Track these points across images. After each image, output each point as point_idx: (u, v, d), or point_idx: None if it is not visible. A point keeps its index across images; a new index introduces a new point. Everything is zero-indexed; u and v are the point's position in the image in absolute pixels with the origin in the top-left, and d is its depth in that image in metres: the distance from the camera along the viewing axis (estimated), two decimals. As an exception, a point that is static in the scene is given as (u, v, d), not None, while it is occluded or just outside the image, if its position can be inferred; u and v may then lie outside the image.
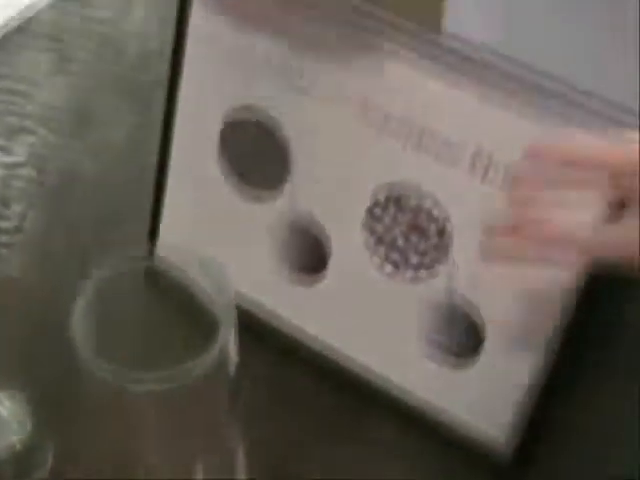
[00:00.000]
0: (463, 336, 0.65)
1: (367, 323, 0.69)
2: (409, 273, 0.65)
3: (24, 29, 0.99)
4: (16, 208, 0.85)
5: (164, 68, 0.73)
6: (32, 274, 0.80)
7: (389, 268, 0.66)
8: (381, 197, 0.65)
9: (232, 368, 0.38)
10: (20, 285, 0.79)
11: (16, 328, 0.76)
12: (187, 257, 0.37)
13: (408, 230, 0.65)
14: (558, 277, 0.58)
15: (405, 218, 0.65)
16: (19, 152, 0.89)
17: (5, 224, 0.84)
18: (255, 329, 0.72)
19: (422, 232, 0.64)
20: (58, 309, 0.77)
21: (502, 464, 0.65)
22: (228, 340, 0.34)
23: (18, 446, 0.63)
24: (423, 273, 0.65)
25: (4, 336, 0.75)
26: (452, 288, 0.64)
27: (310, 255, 0.70)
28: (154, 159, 0.76)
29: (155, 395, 0.31)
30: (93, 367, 0.30)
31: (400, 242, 0.65)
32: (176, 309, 0.51)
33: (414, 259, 0.65)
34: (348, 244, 0.68)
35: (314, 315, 0.71)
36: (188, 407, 0.34)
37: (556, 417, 0.65)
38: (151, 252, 0.42)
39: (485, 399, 0.65)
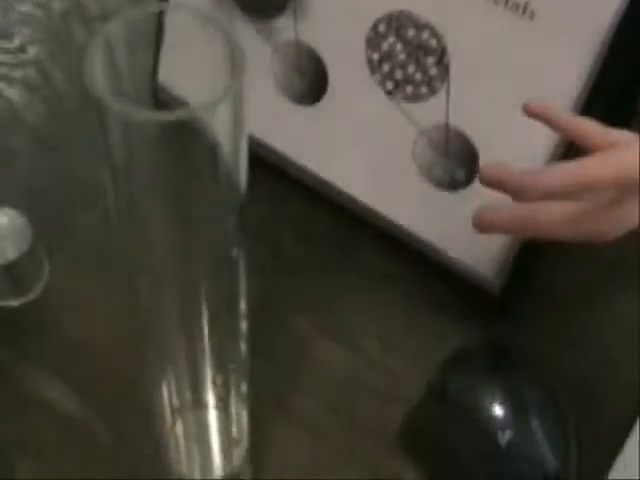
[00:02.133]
0: (457, 166, 0.65)
1: (363, 151, 0.69)
2: (408, 92, 0.66)
3: None
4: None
5: None
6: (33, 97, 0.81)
7: (390, 85, 0.66)
8: (381, 28, 0.65)
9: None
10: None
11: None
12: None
13: (407, 59, 0.65)
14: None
15: (405, 48, 0.64)
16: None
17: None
18: (253, 160, 0.73)
19: (420, 61, 0.64)
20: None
21: (491, 295, 0.67)
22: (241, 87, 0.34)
23: (15, 262, 0.64)
24: (419, 98, 0.65)
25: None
26: (448, 117, 0.64)
27: (309, 85, 0.70)
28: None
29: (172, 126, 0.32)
30: (108, 103, 0.31)
31: (399, 72, 0.65)
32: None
33: (409, 88, 0.65)
34: (348, 73, 0.68)
35: (311, 144, 0.72)
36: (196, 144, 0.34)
37: (545, 254, 0.66)
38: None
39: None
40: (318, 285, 0.70)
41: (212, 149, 0.34)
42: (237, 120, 0.34)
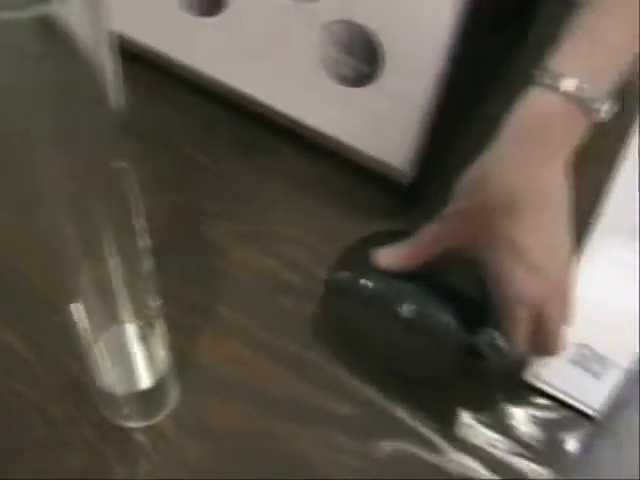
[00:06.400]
0: (361, 62, 0.65)
1: (268, 55, 0.68)
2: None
3: None
4: None
5: None
6: None
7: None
8: None
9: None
10: None
11: None
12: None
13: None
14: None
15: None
16: None
17: None
18: (159, 72, 0.72)
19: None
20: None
21: (401, 187, 0.68)
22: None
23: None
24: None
25: None
26: (348, 13, 0.64)
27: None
28: None
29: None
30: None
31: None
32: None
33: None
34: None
35: (216, 54, 0.71)
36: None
37: (450, 143, 0.67)
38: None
39: (385, 123, 0.66)
40: (228, 191, 0.70)
41: (78, 56, 0.33)
42: (94, 15, 0.33)
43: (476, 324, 0.57)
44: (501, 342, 0.57)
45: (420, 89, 0.63)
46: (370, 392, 0.61)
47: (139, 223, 0.44)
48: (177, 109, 0.74)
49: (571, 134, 0.56)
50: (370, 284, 0.59)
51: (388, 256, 0.59)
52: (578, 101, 0.55)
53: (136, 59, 0.73)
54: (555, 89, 0.55)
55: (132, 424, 0.59)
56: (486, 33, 0.65)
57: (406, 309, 0.58)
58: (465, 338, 0.57)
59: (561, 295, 0.57)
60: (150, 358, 0.56)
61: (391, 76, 0.64)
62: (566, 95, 0.55)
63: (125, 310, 0.50)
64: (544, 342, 0.58)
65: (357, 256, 0.61)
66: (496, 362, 0.57)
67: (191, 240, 0.67)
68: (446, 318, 0.57)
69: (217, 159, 0.72)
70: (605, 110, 0.56)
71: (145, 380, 0.56)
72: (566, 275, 0.57)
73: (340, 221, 0.68)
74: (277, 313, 0.64)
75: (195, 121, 0.74)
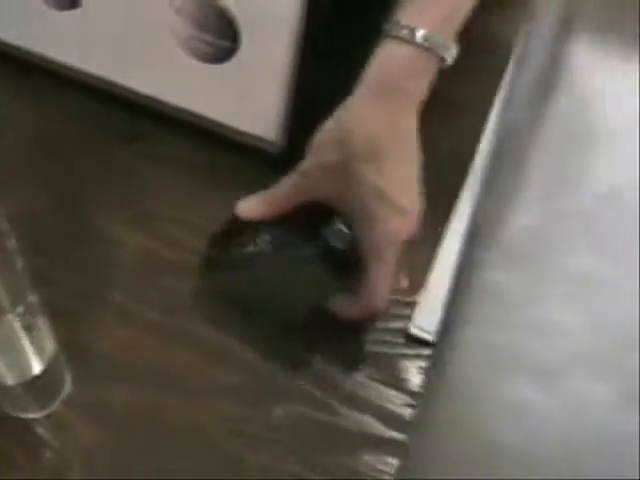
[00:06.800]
0: (218, 38, 0.66)
1: (129, 39, 0.69)
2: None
3: None
4: None
5: None
6: None
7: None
8: None
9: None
10: None
11: None
12: None
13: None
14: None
15: None
16: None
17: None
18: (28, 68, 0.73)
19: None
20: None
21: (274, 156, 0.70)
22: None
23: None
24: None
25: None
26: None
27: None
28: None
29: None
30: None
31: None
32: None
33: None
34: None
35: (82, 44, 0.71)
36: None
37: (317, 107, 0.68)
38: None
39: (249, 96, 0.67)
40: (111, 180, 0.71)
41: None
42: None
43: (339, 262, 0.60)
44: (344, 228, 0.60)
45: (279, 58, 0.64)
46: (258, 360, 0.63)
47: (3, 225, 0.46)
48: (52, 104, 0.74)
49: (423, 82, 0.59)
50: (244, 250, 0.61)
51: (248, 205, 0.62)
52: (428, 50, 0.58)
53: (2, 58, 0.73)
54: (406, 41, 0.58)
55: (30, 415, 0.59)
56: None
57: (274, 247, 0.60)
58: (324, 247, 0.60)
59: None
60: (37, 347, 0.56)
61: (249, 49, 0.65)
62: (416, 45, 0.58)
63: (5, 302, 0.51)
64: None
65: (233, 227, 0.63)
66: (347, 248, 0.60)
67: (78, 229, 0.67)
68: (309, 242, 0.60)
69: (98, 150, 0.72)
70: (452, 56, 0.59)
71: (35, 368, 0.57)
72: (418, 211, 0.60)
73: (222, 199, 0.69)
74: (163, 292, 0.65)
75: (70, 114, 0.74)
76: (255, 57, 0.65)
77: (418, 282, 0.66)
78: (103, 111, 0.74)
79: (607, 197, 0.85)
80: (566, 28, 1.41)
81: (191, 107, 0.70)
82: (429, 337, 0.63)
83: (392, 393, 0.62)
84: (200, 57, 0.67)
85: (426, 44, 0.58)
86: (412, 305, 0.65)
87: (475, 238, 0.52)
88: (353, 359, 0.63)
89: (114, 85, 0.72)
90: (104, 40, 0.70)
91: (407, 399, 0.62)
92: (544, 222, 0.73)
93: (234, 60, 0.66)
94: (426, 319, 0.64)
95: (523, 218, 0.71)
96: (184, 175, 0.71)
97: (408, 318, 0.64)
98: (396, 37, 0.58)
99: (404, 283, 0.63)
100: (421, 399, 0.58)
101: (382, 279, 0.59)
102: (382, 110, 0.58)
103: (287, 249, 0.60)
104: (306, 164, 0.60)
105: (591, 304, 0.66)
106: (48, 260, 0.64)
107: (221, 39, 0.66)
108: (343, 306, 0.61)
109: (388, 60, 0.59)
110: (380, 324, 0.64)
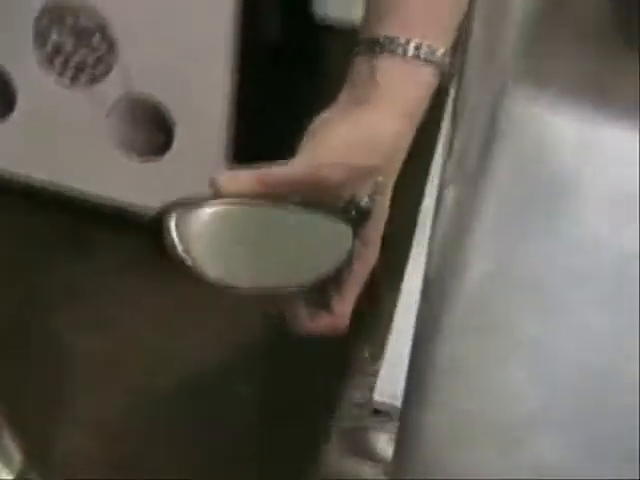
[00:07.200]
0: (154, 132, 0.67)
1: (64, 143, 0.70)
2: (85, 78, 0.67)
3: None
4: None
5: None
6: None
7: (66, 80, 0.67)
8: (45, 19, 0.66)
9: None
10: None
11: None
12: None
13: (75, 43, 0.66)
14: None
15: (71, 32, 0.65)
16: None
17: None
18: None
19: (89, 44, 0.65)
20: None
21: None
22: None
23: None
24: (99, 78, 0.66)
25: None
26: (130, 86, 0.66)
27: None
28: None
29: None
30: None
31: (71, 58, 0.66)
32: None
33: (88, 71, 0.66)
34: (25, 72, 0.68)
35: (13, 151, 0.72)
36: None
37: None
38: None
39: (187, 190, 0.68)
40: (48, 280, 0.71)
41: None
42: None
43: None
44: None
45: (213, 149, 0.65)
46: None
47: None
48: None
49: (421, 93, 0.59)
50: None
51: (234, 180, 0.54)
52: (422, 61, 0.57)
53: None
54: (398, 54, 0.57)
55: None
56: (265, 73, 0.67)
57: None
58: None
59: None
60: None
61: (184, 142, 0.66)
62: (412, 57, 0.57)
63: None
64: None
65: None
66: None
67: (28, 332, 0.67)
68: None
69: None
70: (446, 65, 0.59)
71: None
72: None
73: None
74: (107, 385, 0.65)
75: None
76: (189, 149, 0.66)
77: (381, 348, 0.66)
78: (47, 218, 0.74)
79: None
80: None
81: (130, 201, 0.70)
82: (393, 406, 0.63)
83: (367, 463, 0.61)
84: (135, 152, 0.68)
85: (420, 55, 0.57)
86: (375, 374, 0.65)
87: (429, 296, 0.52)
88: (325, 432, 0.63)
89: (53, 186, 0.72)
90: (36, 144, 0.71)
91: (381, 470, 0.61)
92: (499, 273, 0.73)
93: (171, 152, 0.67)
94: (389, 388, 0.64)
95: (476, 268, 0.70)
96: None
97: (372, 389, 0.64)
98: (390, 51, 0.57)
99: (365, 352, 0.62)
100: (392, 470, 0.58)
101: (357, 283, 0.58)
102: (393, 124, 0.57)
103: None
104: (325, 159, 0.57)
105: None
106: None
107: (157, 134, 0.67)
108: (308, 320, 0.59)
109: (387, 76, 0.57)
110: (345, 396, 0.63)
